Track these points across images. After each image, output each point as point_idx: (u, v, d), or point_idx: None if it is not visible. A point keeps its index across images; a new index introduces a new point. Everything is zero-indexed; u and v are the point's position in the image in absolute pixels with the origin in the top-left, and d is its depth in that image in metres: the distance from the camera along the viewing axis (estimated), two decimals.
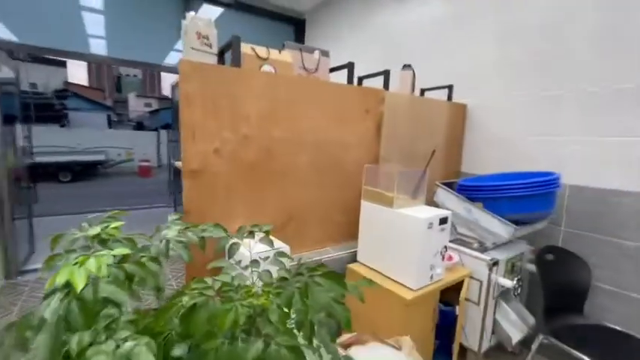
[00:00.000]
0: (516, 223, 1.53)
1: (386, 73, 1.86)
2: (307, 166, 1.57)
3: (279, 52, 1.54)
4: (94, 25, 3.36)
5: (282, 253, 0.84)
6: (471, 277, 1.61)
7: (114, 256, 0.61)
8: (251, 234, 0.87)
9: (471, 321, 1.64)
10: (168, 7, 3.54)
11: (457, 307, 1.51)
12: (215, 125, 1.31)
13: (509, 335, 1.63)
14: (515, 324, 1.69)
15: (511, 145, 2.03)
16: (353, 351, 1.00)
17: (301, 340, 0.59)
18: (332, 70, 1.82)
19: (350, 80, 1.77)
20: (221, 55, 1.46)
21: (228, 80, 1.32)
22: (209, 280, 0.65)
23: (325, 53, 1.74)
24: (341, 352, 1.02)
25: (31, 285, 2.60)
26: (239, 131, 1.36)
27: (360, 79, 2.05)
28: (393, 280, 1.44)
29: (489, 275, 1.56)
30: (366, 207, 1.58)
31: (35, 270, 2.81)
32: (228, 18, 3.89)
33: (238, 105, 1.35)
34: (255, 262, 0.82)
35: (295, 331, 0.60)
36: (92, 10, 3.28)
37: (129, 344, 0.50)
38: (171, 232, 0.78)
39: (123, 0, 3.33)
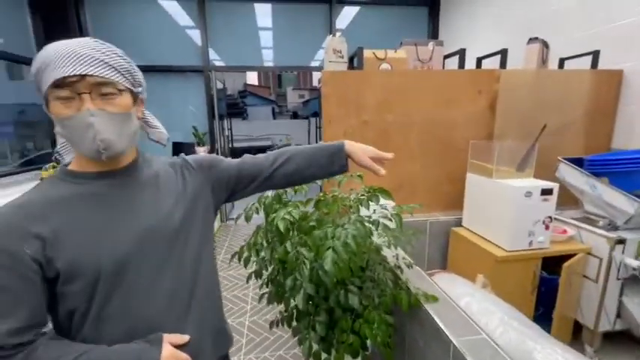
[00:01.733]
0: None
1: (503, 53, 1.91)
2: (416, 144, 1.90)
3: (395, 50, 1.90)
4: (265, 39, 4.47)
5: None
6: (590, 254, 1.58)
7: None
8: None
9: (588, 298, 1.61)
10: (316, 13, 4.28)
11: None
12: (344, 114, 1.82)
13: (637, 321, 1.52)
14: None
15: None
16: (436, 277, 1.34)
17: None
18: (446, 56, 2.02)
19: (461, 65, 1.93)
20: (351, 61, 1.94)
21: (353, 81, 1.79)
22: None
23: (439, 43, 1.97)
24: (427, 278, 1.38)
25: (233, 227, 3.96)
26: (361, 118, 1.83)
27: (479, 60, 2.14)
28: (490, 242, 1.62)
29: (610, 253, 1.50)
30: (471, 178, 1.77)
31: (234, 218, 4.21)
32: (365, 12, 4.35)
33: (360, 98, 1.81)
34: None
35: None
36: (265, 28, 4.37)
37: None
38: None
39: (284, 17, 4.27)
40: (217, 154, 4.27)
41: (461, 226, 1.87)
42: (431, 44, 1.95)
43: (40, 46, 3.66)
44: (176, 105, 4.11)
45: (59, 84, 0.54)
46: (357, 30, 4.38)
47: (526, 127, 1.94)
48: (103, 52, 0.57)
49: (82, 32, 3.73)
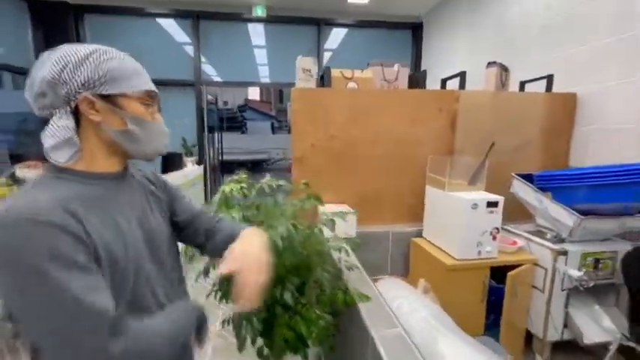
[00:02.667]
0: (590, 214, 1.51)
1: (462, 75, 2.05)
2: (381, 158, 2.01)
3: (362, 71, 2.04)
4: (260, 56, 4.66)
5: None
6: (537, 265, 1.67)
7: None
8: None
9: (536, 308, 1.69)
10: (306, 33, 4.48)
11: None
12: (312, 128, 1.94)
13: (580, 331, 1.59)
14: (597, 324, 1.61)
15: (631, 136, 1.82)
16: (380, 281, 1.42)
17: None
18: (445, 80, 2.17)
19: (423, 86, 2.07)
20: (322, 79, 2.08)
21: (321, 98, 1.93)
22: None
23: (404, 64, 2.11)
24: (369, 281, 1.46)
25: None
26: (328, 132, 1.96)
27: (444, 81, 2.28)
28: (444, 251, 1.71)
29: (554, 264, 1.59)
30: (429, 191, 1.88)
31: None
32: (352, 34, 4.57)
33: (328, 114, 1.94)
34: None
35: None
36: (259, 46, 4.58)
37: None
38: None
39: (276, 36, 4.48)
40: (206, 165, 4.41)
41: (421, 236, 1.96)
42: (396, 65, 2.10)
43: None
44: (169, 117, 4.26)
45: (150, 94, 0.69)
46: (346, 50, 4.59)
47: (485, 144, 2.06)
48: None
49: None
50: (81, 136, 0.62)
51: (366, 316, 1.03)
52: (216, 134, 4.85)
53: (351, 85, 2.03)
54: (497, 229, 1.61)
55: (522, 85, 2.31)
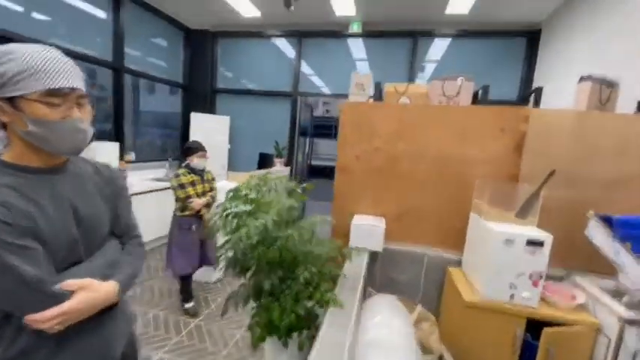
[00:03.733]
0: None
1: (537, 91, 1.76)
2: (425, 175, 1.92)
3: (416, 84, 1.99)
4: (362, 69, 4.87)
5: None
6: (598, 330, 1.32)
7: None
8: None
9: None
10: (404, 47, 4.47)
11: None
12: (358, 140, 2.01)
13: None
14: None
15: None
16: (376, 296, 1.39)
17: None
18: (529, 94, 1.97)
19: (487, 101, 1.86)
20: (379, 94, 2.13)
21: (368, 112, 1.98)
22: None
23: (469, 78, 1.95)
24: (359, 292, 1.44)
25: None
26: (373, 144, 1.99)
27: (526, 96, 1.99)
28: (472, 285, 1.53)
29: (620, 335, 1.23)
30: (472, 218, 1.70)
31: None
32: (456, 44, 4.31)
33: (374, 127, 1.97)
34: None
35: None
36: (360, 59, 4.80)
37: None
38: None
39: (375, 50, 4.61)
40: (294, 167, 4.88)
41: (459, 266, 1.78)
42: (460, 79, 1.95)
43: (186, 73, 5.15)
44: (269, 123, 4.93)
45: (53, 93, 0.66)
46: (450, 61, 4.35)
47: (561, 174, 1.71)
48: (76, 66, 0.71)
49: (213, 61, 4.96)
50: (8, 132, 0.71)
51: (327, 320, 1.08)
52: (307, 139, 5.31)
53: (404, 100, 2.01)
54: (540, 274, 1.35)
55: None
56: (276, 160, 4.53)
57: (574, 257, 1.72)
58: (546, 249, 1.33)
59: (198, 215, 2.65)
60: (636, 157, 1.64)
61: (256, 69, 4.93)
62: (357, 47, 4.69)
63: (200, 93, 4.96)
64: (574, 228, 1.67)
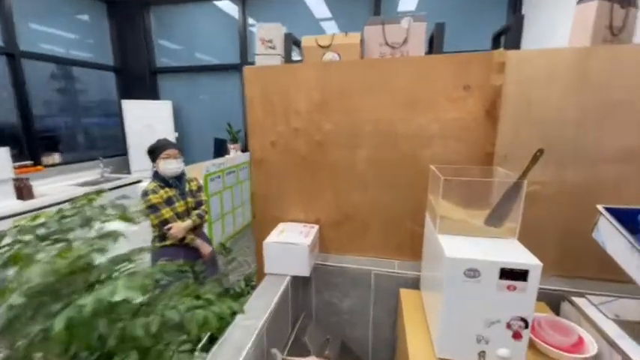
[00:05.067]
0: None
1: (516, 22, 1.16)
2: (366, 163, 1.36)
3: (346, 34, 1.38)
4: (329, 29, 4.17)
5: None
6: None
7: None
8: None
9: None
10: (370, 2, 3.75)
11: None
12: (271, 119, 1.44)
13: None
14: None
15: None
16: None
17: None
18: (497, 36, 1.36)
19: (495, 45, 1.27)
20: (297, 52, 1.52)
21: (281, 78, 1.39)
22: None
23: (419, 18, 1.34)
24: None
25: None
26: (291, 124, 1.41)
27: (496, 37, 1.39)
28: (428, 330, 1.02)
29: None
30: (427, 223, 1.16)
31: None
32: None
33: (290, 100, 1.39)
34: None
35: None
36: (325, 19, 4.07)
37: None
38: None
39: (338, 6, 3.89)
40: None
41: (417, 287, 1.27)
42: (405, 21, 1.35)
43: (117, 52, 4.38)
44: (220, 102, 4.28)
45: None
46: (427, 9, 3.65)
47: (563, 145, 1.16)
48: None
49: (147, 35, 4.22)
50: None
51: None
52: None
53: (330, 56, 1.41)
54: (524, 321, 0.83)
55: None
56: (232, 147, 3.94)
57: (578, 264, 1.21)
58: (533, 283, 0.80)
59: (185, 244, 2.02)
60: None
61: (200, 41, 4.22)
62: (318, 4, 3.96)
63: (137, 75, 4.27)
64: (576, 226, 1.15)
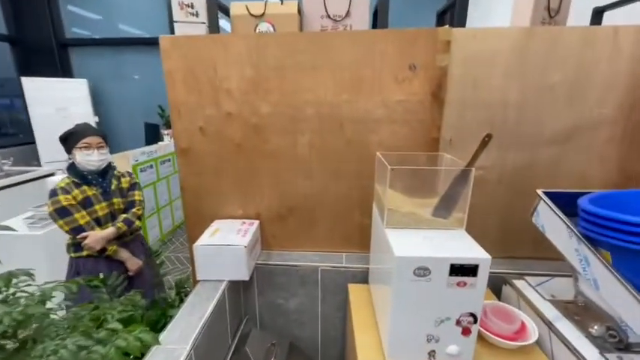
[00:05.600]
0: None
1: (461, 2, 1.09)
2: (310, 151, 1.23)
3: (282, 2, 1.21)
4: None
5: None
6: None
7: None
8: None
9: None
10: None
11: None
12: (198, 101, 1.22)
13: None
14: None
15: None
16: None
17: None
18: (443, 12, 1.25)
19: (440, 22, 1.17)
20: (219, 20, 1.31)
21: (207, 51, 1.17)
22: None
23: None
24: None
25: None
26: (222, 107, 1.22)
27: (440, 15, 1.32)
28: (377, 328, 0.96)
29: None
30: (375, 215, 1.08)
31: None
32: None
33: (219, 79, 1.19)
34: None
35: None
36: None
37: None
38: None
39: None
40: None
41: (365, 281, 1.20)
42: None
43: (10, 17, 3.54)
44: (148, 81, 3.79)
45: None
46: None
47: (505, 127, 1.14)
48: None
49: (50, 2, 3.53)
50: None
51: None
52: None
53: (264, 27, 1.22)
54: (472, 316, 0.79)
55: (598, 13, 1.25)
56: (166, 132, 3.53)
57: (516, 245, 1.24)
58: (482, 277, 0.76)
59: (106, 255, 1.63)
60: (593, 96, 1.10)
61: (124, 10, 3.64)
62: None
63: (41, 47, 3.57)
64: (515, 209, 1.15)
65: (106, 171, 1.70)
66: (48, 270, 1.91)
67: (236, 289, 1.21)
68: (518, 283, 1.08)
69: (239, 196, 1.32)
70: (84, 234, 1.56)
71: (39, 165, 3.29)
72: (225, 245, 1.10)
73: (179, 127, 1.26)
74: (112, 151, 1.81)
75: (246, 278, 1.13)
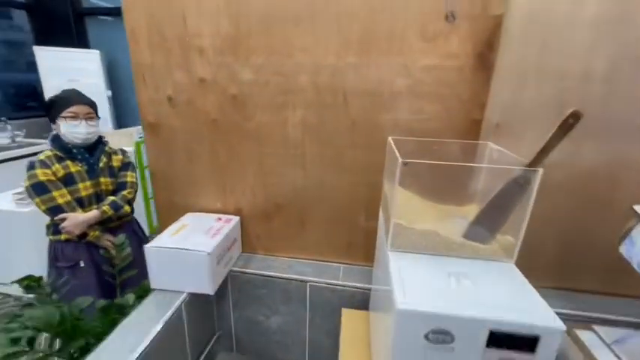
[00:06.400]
0: None
1: None
2: (303, 132, 0.94)
3: None
4: None
5: None
6: None
7: None
8: None
9: None
10: None
11: None
12: (164, 65, 0.96)
13: None
14: None
15: None
16: None
17: None
18: None
19: None
20: None
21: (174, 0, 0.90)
22: None
23: None
24: None
25: None
26: (193, 71, 0.95)
27: None
28: None
29: None
30: (380, 224, 0.78)
31: None
32: None
33: (188, 33, 0.92)
34: None
35: None
36: None
37: None
38: None
39: None
40: None
41: (365, 307, 0.92)
42: None
43: None
44: None
45: None
46: None
47: (583, 112, 0.78)
48: None
49: None
50: None
51: None
52: None
53: None
54: None
55: None
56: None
57: (578, 272, 0.90)
58: (546, 355, 0.45)
59: (87, 241, 1.44)
60: None
61: None
62: None
63: (57, 16, 3.47)
64: (584, 223, 0.81)
65: (95, 146, 1.50)
66: (35, 249, 1.79)
67: (205, 298, 0.97)
68: (584, 336, 0.75)
69: (216, 186, 1.06)
70: (62, 215, 1.37)
71: None
72: (184, 250, 0.85)
73: (144, 96, 1.01)
74: (118, 125, 1.57)
75: (210, 292, 0.89)
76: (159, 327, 0.78)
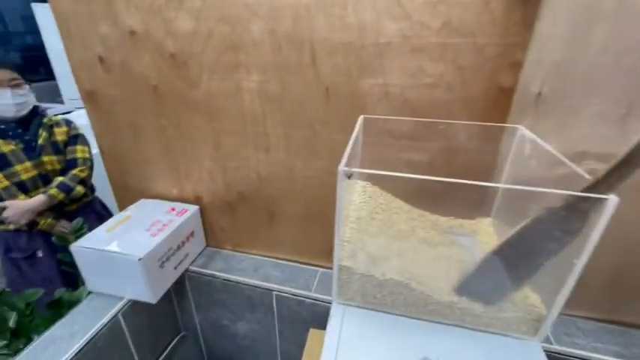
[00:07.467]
0: None
1: None
2: (260, 103, 0.70)
3: None
4: None
5: None
6: None
7: None
8: None
9: None
10: None
11: None
12: (88, 12, 0.74)
13: None
14: None
15: None
16: None
17: None
18: None
19: None
20: None
21: None
22: None
23: None
24: None
25: None
26: (120, 21, 0.72)
27: None
28: None
29: None
30: (335, 248, 0.56)
31: None
32: None
33: None
34: None
35: None
36: None
37: None
38: None
39: None
40: None
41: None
42: None
43: None
44: None
45: None
46: None
47: None
48: None
49: None
50: None
51: None
52: None
53: None
54: None
55: None
56: None
57: (630, 302, 0.64)
58: None
59: (38, 230, 1.26)
60: None
61: None
62: None
63: None
64: None
65: (29, 119, 1.24)
66: None
67: (164, 296, 0.83)
68: None
69: (170, 170, 0.87)
70: (1, 204, 1.16)
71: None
72: (113, 253, 0.69)
73: (74, 56, 0.81)
74: None
75: (152, 300, 0.73)
76: (82, 342, 0.65)
